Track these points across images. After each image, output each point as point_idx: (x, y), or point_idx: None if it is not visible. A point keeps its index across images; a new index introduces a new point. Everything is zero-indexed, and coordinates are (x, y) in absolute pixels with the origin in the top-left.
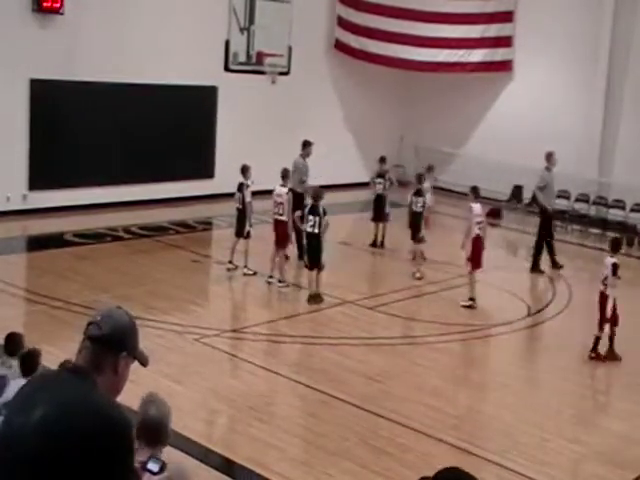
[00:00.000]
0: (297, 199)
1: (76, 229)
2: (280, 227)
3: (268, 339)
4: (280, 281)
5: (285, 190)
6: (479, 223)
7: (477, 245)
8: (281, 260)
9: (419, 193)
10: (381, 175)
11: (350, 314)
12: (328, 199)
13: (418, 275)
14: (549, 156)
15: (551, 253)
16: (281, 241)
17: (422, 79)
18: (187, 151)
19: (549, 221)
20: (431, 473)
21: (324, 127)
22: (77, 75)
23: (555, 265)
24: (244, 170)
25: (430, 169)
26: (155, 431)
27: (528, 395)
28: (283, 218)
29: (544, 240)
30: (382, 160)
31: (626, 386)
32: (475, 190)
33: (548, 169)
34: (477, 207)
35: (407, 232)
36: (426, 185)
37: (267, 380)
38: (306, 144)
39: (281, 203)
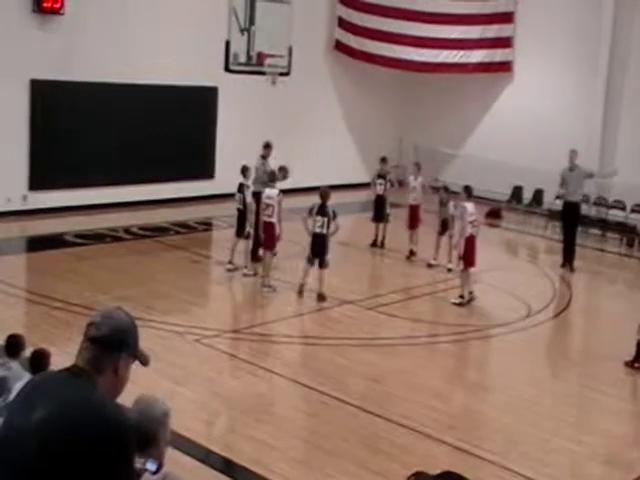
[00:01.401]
0: (255, 197)
1: (76, 230)
2: (269, 229)
3: (268, 339)
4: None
5: (276, 192)
6: (472, 222)
7: (470, 244)
8: (268, 261)
9: (445, 190)
10: (382, 176)
11: (350, 314)
12: None
13: (450, 266)
14: (569, 154)
15: (563, 250)
16: (270, 243)
17: (422, 80)
18: (187, 151)
19: (562, 218)
20: (431, 474)
21: (324, 128)
22: (77, 75)
23: (563, 264)
24: (244, 171)
25: (418, 166)
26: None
27: (528, 395)
28: (272, 220)
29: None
30: (383, 160)
31: (625, 386)
32: (468, 189)
33: (569, 167)
34: (470, 206)
35: (405, 232)
36: (418, 181)
37: (267, 380)
38: (265, 146)
39: (271, 205)
